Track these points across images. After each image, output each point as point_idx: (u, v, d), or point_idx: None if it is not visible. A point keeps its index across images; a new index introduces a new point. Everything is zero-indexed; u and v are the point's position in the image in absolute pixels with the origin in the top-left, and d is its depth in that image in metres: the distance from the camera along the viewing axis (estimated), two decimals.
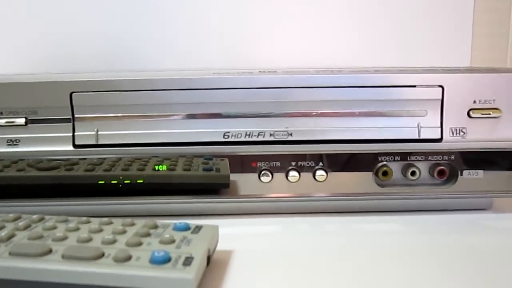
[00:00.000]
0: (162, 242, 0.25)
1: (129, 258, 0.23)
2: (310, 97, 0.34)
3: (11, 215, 0.28)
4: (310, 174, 0.35)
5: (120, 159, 0.35)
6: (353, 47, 0.70)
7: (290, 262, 0.28)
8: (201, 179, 0.35)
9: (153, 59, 0.58)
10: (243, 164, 0.35)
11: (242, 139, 0.34)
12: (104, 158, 0.35)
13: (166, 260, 0.23)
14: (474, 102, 0.34)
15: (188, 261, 0.23)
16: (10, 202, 0.35)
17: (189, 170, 0.35)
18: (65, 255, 0.23)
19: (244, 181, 0.35)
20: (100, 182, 0.35)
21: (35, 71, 0.42)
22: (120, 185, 0.35)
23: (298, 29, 0.65)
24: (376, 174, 0.35)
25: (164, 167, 0.35)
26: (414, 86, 0.34)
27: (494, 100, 0.34)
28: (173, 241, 0.25)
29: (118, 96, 0.34)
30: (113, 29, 0.57)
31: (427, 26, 0.76)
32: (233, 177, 0.35)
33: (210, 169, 0.35)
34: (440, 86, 0.34)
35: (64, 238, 0.25)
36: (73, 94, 0.34)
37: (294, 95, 0.34)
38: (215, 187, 0.36)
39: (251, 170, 0.35)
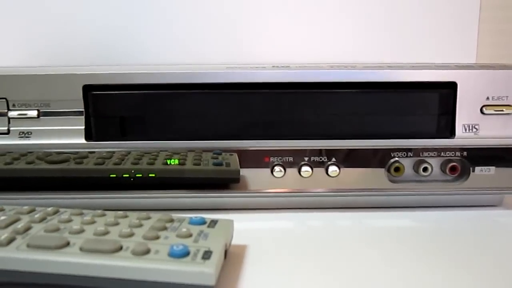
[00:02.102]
0: (180, 235, 0.25)
1: (148, 251, 0.23)
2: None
3: (25, 207, 0.28)
4: (322, 170, 0.35)
5: (129, 152, 0.35)
6: (357, 43, 0.70)
7: (303, 256, 0.28)
8: (211, 174, 0.35)
9: (153, 53, 0.57)
10: (255, 159, 0.35)
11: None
12: (113, 152, 0.35)
13: (185, 253, 0.23)
14: (487, 98, 0.34)
15: (207, 254, 0.23)
16: (21, 195, 0.35)
17: (199, 164, 0.35)
18: (84, 247, 0.23)
19: (255, 176, 0.35)
20: (111, 175, 0.35)
21: (33, 64, 0.41)
22: (132, 179, 0.35)
23: (305, 23, 0.65)
24: (388, 170, 0.35)
25: (176, 161, 0.35)
26: (427, 82, 0.34)
27: (507, 97, 0.34)
28: (190, 235, 0.25)
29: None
30: (110, 22, 0.57)
31: (432, 22, 0.76)
32: (245, 172, 0.35)
33: (220, 164, 0.35)
34: (453, 82, 0.34)
35: (81, 231, 0.25)
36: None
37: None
38: (225, 182, 0.36)
39: (264, 165, 0.35)
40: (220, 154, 0.35)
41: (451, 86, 0.34)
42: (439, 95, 0.34)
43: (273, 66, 0.35)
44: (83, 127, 0.34)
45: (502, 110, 0.34)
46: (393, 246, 0.30)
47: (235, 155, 0.35)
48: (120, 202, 0.36)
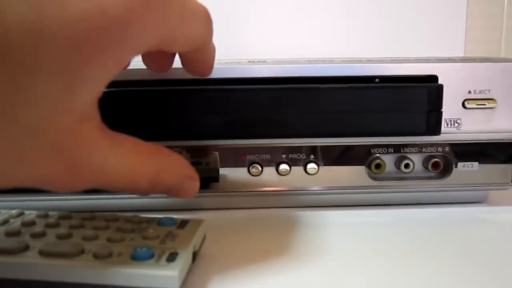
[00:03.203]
0: (146, 237, 0.24)
1: (110, 254, 0.22)
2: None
3: None
4: (301, 167, 0.34)
5: None
6: (344, 39, 0.69)
7: (282, 256, 0.27)
8: None
9: None
10: (233, 157, 0.34)
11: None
12: None
13: (149, 256, 0.22)
14: (469, 92, 0.33)
15: (172, 257, 0.22)
16: None
17: None
18: (43, 251, 0.22)
19: (233, 174, 0.34)
20: None
21: None
22: None
23: (288, 20, 0.64)
24: (369, 167, 0.34)
25: None
26: (407, 76, 0.33)
27: (489, 90, 0.33)
28: (157, 237, 0.24)
29: None
30: None
31: (420, 18, 0.75)
32: (223, 170, 0.34)
33: (199, 163, 0.34)
34: (434, 76, 0.33)
35: (42, 235, 0.24)
36: None
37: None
38: (204, 181, 0.35)
39: (241, 163, 0.34)
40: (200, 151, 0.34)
41: (432, 80, 0.33)
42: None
43: (249, 61, 0.34)
44: None
45: (485, 104, 0.33)
46: (375, 243, 0.29)
47: (216, 154, 0.34)
48: (92, 203, 0.35)
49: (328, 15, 0.68)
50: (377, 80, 0.33)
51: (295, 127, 0.33)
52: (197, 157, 0.34)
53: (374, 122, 0.33)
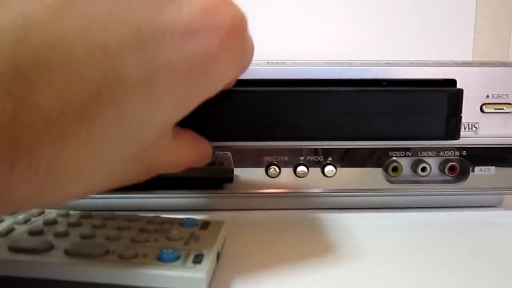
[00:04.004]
0: (170, 238, 0.24)
1: (135, 255, 0.22)
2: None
3: None
4: (318, 169, 0.34)
5: None
6: (353, 41, 0.69)
7: (297, 257, 0.27)
8: (204, 173, 0.34)
9: None
10: (249, 158, 0.34)
11: None
12: None
13: (175, 258, 0.22)
14: (487, 96, 0.33)
15: (198, 258, 0.22)
16: None
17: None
18: (68, 251, 0.22)
19: (249, 175, 0.34)
20: None
21: None
22: None
23: (300, 21, 0.64)
24: (385, 170, 0.34)
25: None
26: (426, 80, 0.33)
27: (507, 95, 0.33)
28: (181, 238, 0.24)
29: None
30: None
31: (429, 20, 0.75)
32: (238, 171, 0.34)
33: (213, 163, 0.34)
34: (453, 80, 0.33)
35: (66, 234, 0.24)
36: None
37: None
38: (218, 182, 0.35)
39: (258, 164, 0.34)
40: (213, 153, 0.34)
41: (450, 84, 0.33)
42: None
43: (268, 63, 0.34)
44: None
45: (503, 109, 0.34)
46: (390, 246, 0.29)
47: (229, 154, 0.34)
48: (109, 203, 0.35)
49: (337, 17, 0.68)
50: (384, 82, 0.33)
51: (312, 130, 0.32)
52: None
53: (393, 126, 0.32)
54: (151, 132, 0.20)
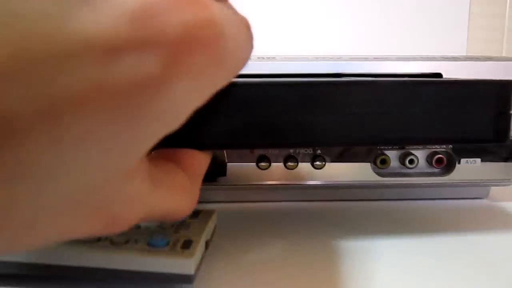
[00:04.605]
0: (161, 226, 0.25)
1: (127, 241, 0.23)
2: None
3: None
4: (308, 163, 0.35)
5: None
6: (346, 36, 0.70)
7: (288, 246, 0.28)
8: None
9: None
10: (241, 151, 0.35)
11: None
12: None
13: (165, 243, 0.23)
14: None
15: (186, 244, 0.23)
16: None
17: None
18: None
19: (241, 168, 0.35)
20: None
21: None
22: None
23: (290, 16, 0.65)
24: (374, 162, 0.35)
25: None
26: (413, 74, 0.34)
27: None
28: (171, 226, 0.25)
29: None
30: None
31: (422, 18, 0.76)
32: (231, 165, 0.35)
33: None
34: (439, 74, 0.34)
35: None
36: None
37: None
38: (211, 175, 0.36)
39: (250, 157, 0.35)
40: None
41: (437, 77, 0.34)
42: None
43: (258, 58, 0.35)
44: None
45: None
46: (377, 236, 0.30)
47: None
48: None
49: (329, 12, 0.69)
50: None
51: (334, 131, 0.25)
52: None
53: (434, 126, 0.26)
54: (87, 177, 0.14)
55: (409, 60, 0.34)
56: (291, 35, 0.67)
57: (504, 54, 0.77)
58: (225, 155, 0.35)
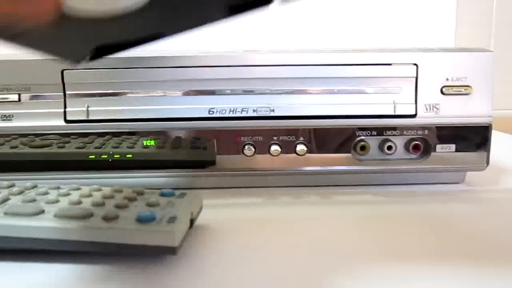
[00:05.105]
0: (149, 204, 0.27)
1: (117, 217, 0.25)
2: (291, 75, 0.36)
3: (5, 182, 0.30)
4: (291, 149, 0.37)
5: (111, 138, 0.36)
6: (336, 30, 0.72)
7: (271, 228, 0.30)
8: (189, 157, 0.37)
9: None
10: (228, 139, 0.37)
11: (227, 115, 0.36)
12: (96, 136, 0.36)
13: (152, 218, 0.24)
14: (447, 79, 0.36)
15: (171, 219, 0.25)
16: (3, 175, 0.37)
17: (177, 147, 0.37)
18: (57, 214, 0.25)
19: (229, 157, 0.37)
20: (90, 156, 0.36)
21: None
22: (110, 160, 0.37)
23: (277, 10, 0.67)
24: (354, 148, 0.37)
25: (153, 143, 0.37)
26: (390, 64, 0.36)
27: (465, 77, 0.36)
28: (158, 204, 0.27)
29: (108, 73, 0.36)
30: None
31: (410, 14, 0.78)
32: (219, 154, 0.37)
33: (197, 147, 0.37)
34: (415, 64, 0.36)
35: (56, 201, 0.27)
36: (64, 71, 0.35)
37: (276, 73, 0.36)
38: (202, 164, 0.37)
39: (235, 144, 0.37)
40: (198, 139, 0.37)
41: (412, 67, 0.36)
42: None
43: (244, 51, 0.37)
44: (63, 110, 0.36)
45: (461, 91, 0.36)
46: (358, 218, 0.32)
47: (213, 140, 0.37)
48: (98, 182, 0.37)
49: (326, 9, 0.71)
50: None
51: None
52: (197, 143, 0.37)
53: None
54: None
55: (387, 52, 0.36)
56: (279, 29, 0.68)
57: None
58: (215, 147, 0.37)
